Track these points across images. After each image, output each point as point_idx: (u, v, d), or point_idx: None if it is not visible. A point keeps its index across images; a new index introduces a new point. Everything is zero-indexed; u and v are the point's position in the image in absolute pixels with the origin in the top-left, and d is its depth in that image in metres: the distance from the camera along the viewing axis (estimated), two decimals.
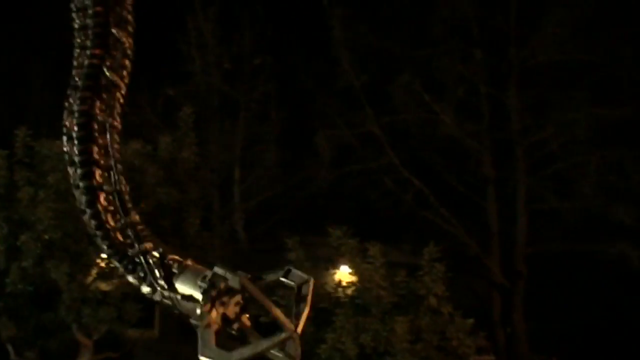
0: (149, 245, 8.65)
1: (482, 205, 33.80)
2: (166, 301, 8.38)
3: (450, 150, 33.40)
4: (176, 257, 8.51)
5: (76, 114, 8.73)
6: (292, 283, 8.57)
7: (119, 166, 8.70)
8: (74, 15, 8.86)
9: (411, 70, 32.13)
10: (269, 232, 33.99)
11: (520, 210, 33.11)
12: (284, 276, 8.91)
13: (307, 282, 9.01)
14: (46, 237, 19.09)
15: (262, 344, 8.15)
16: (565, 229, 31.46)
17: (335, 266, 22.59)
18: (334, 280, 21.70)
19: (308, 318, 20.27)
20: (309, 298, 8.79)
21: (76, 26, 8.83)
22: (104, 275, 19.71)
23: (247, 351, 8.25)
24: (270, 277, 9.06)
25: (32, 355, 20.94)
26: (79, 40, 8.89)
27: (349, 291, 20.00)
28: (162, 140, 21.70)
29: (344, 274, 23.51)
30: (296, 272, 8.99)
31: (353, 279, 21.19)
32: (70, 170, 8.87)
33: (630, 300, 32.95)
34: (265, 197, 33.24)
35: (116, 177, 8.79)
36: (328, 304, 20.01)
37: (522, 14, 32.24)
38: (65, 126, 8.91)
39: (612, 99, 30.51)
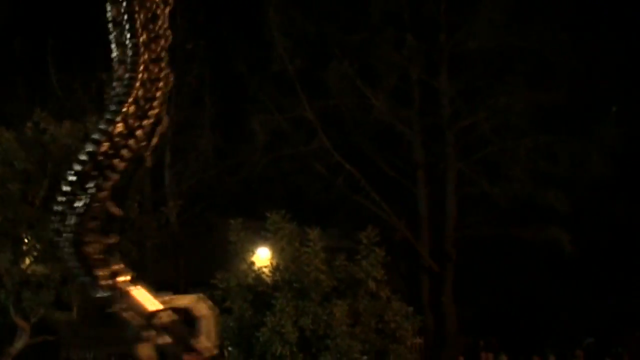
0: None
1: (413, 190, 34.19)
2: None
3: (382, 135, 33.71)
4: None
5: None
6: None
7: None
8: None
9: (345, 56, 32.33)
10: (200, 215, 33.98)
11: (450, 194, 33.58)
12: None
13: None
14: None
15: None
16: (496, 213, 32.01)
17: (253, 250, 22.57)
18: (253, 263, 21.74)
19: (248, 301, 20.38)
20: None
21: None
22: (44, 258, 19.59)
23: None
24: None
25: None
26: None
27: (286, 275, 20.17)
28: (92, 119, 21.45)
29: (261, 257, 23.64)
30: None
31: (270, 262, 21.37)
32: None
33: (559, 283, 33.72)
34: (198, 181, 33.15)
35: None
36: (266, 287, 20.19)
37: (453, 0, 32.63)
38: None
39: (544, 85, 31.05)
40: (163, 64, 9.78)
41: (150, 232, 22.57)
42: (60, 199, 9.80)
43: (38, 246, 19.53)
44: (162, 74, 9.79)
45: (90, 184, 9.57)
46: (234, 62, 32.98)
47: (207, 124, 33.20)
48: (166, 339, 10.34)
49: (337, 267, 20.11)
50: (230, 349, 19.94)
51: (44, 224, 19.05)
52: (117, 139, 9.61)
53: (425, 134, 33.94)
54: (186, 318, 11.04)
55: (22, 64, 32.93)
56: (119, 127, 9.56)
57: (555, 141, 31.21)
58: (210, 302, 11.06)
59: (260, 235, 23.09)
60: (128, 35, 9.60)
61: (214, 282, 20.06)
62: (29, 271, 20.07)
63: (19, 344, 21.30)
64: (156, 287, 33.01)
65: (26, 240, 19.44)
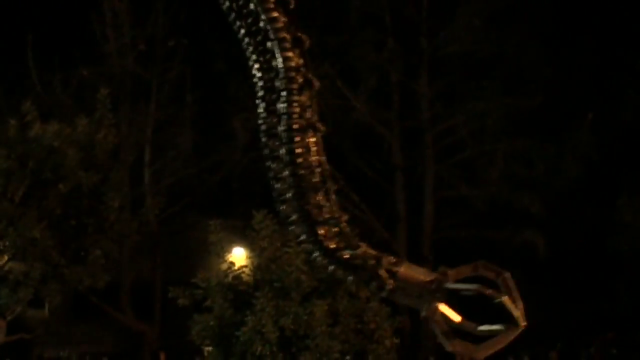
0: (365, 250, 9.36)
1: (391, 192, 34.37)
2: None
3: (362, 136, 33.86)
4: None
5: (285, 116, 9.28)
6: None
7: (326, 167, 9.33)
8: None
9: (325, 57, 32.42)
10: (179, 214, 33.97)
11: (428, 196, 33.81)
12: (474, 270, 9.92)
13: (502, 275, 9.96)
14: None
15: (502, 338, 9.02)
16: (473, 216, 32.26)
17: (229, 249, 22.68)
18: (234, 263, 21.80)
19: (228, 300, 20.43)
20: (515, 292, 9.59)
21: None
22: (24, 256, 19.58)
23: (491, 345, 9.12)
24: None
25: None
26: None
27: (267, 274, 20.19)
28: (79, 122, 21.53)
29: (236, 257, 23.74)
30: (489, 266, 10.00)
31: (250, 261, 21.47)
32: (274, 165, 9.43)
33: (533, 286, 33.93)
34: (177, 180, 33.14)
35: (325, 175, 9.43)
36: (247, 287, 20.22)
37: (433, 4, 32.82)
38: (266, 123, 9.45)
39: (520, 90, 31.34)
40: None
41: (130, 231, 22.58)
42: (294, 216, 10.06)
43: (18, 243, 19.49)
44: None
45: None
46: (214, 61, 33.02)
47: (188, 122, 33.21)
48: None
49: (318, 267, 20.15)
50: (209, 348, 19.99)
51: (25, 221, 19.07)
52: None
53: (404, 136, 34.15)
54: None
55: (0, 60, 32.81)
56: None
57: (531, 146, 31.55)
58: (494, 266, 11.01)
59: (238, 234, 23.21)
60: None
61: (194, 281, 20.08)
62: (6, 268, 20.05)
63: None
64: (133, 286, 33.03)
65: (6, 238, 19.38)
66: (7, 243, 19.42)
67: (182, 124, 33.14)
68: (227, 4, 10.58)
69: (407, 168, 34.29)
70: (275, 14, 10.07)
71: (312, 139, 9.91)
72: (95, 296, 27.65)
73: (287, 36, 10.13)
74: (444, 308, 10.34)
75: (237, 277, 20.57)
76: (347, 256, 10.07)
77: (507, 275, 10.41)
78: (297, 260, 19.79)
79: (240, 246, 27.31)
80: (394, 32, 32.85)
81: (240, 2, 10.54)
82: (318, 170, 9.87)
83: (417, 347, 32.72)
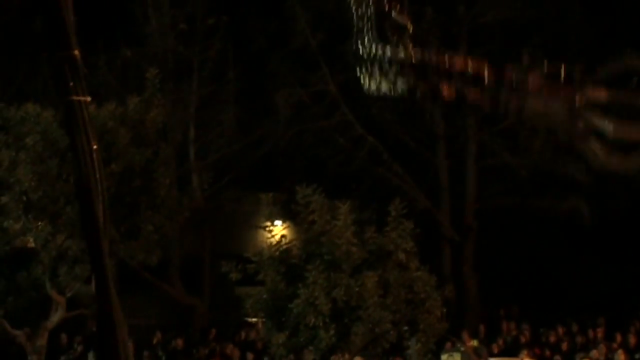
0: None
1: (433, 162, 34.55)
2: None
3: (403, 107, 33.96)
4: None
5: None
6: None
7: None
8: None
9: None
10: (223, 189, 34.39)
11: (470, 165, 33.94)
12: None
13: None
14: (24, 198, 19.40)
15: None
16: (516, 184, 32.35)
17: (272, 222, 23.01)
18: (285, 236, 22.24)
19: (280, 274, 20.88)
20: None
21: None
22: (79, 234, 20.02)
23: None
24: None
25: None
26: None
27: (317, 248, 20.58)
28: (131, 101, 21.98)
29: (278, 228, 24.13)
30: None
31: (285, 232, 21.94)
32: None
33: (579, 253, 34.05)
34: (222, 155, 33.53)
35: None
36: (298, 260, 20.63)
37: None
38: None
39: (561, 56, 31.19)
40: None
41: (181, 207, 23.02)
42: None
43: (75, 221, 19.94)
44: None
45: None
46: (255, 37, 33.26)
47: (231, 99, 33.52)
48: None
49: (367, 239, 20.52)
50: (264, 320, 20.41)
51: None
52: None
53: (445, 106, 34.18)
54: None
55: (44, 41, 33.14)
56: None
57: None
58: None
59: (281, 208, 23.59)
60: None
61: (247, 255, 20.52)
62: (64, 246, 20.54)
63: (55, 317, 21.85)
64: (183, 260, 33.59)
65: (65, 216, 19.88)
66: (64, 221, 19.90)
67: (225, 100, 33.45)
68: None
69: (449, 137, 34.39)
70: None
71: None
72: (146, 271, 28.17)
73: None
74: None
75: (287, 251, 21.00)
76: None
77: None
78: (346, 232, 20.21)
79: (283, 219, 27.69)
80: (432, 2, 32.85)
81: None
82: None
83: (463, 315, 32.95)
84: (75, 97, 6.45)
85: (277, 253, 20.85)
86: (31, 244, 20.15)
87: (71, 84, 6.43)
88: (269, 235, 21.79)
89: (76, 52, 6.52)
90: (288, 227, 27.40)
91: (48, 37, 6.70)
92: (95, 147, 6.41)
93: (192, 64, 33.20)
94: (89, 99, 6.45)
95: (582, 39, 30.99)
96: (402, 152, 33.89)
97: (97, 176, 6.42)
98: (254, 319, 27.56)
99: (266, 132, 33.46)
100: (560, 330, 29.58)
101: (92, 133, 6.49)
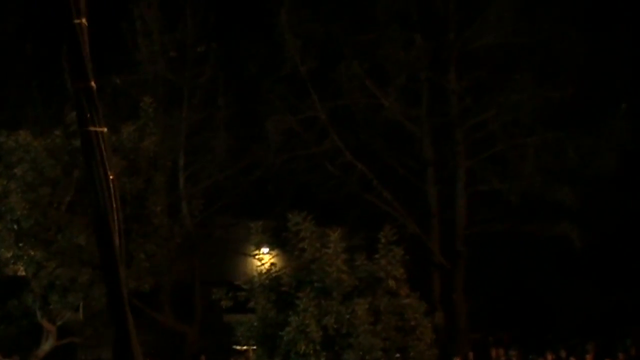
0: None
1: (423, 188, 34.58)
2: None
3: (392, 133, 34.07)
4: None
5: None
6: None
7: None
8: None
9: (354, 56, 32.66)
10: (214, 216, 34.40)
11: (460, 191, 33.99)
12: None
13: None
14: (15, 227, 19.40)
15: None
16: (506, 210, 32.38)
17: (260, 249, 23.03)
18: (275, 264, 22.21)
19: (271, 301, 20.80)
20: None
21: None
22: (71, 262, 20.06)
23: None
24: None
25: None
26: None
27: (308, 275, 20.56)
28: (125, 129, 22.03)
29: (267, 257, 24.14)
30: None
31: (275, 260, 21.98)
32: None
33: (569, 279, 34.09)
34: (212, 182, 33.56)
35: None
36: (288, 287, 20.61)
37: None
38: None
39: (552, 81, 31.34)
40: None
41: (172, 235, 23.06)
42: None
43: (66, 250, 19.96)
44: None
45: None
46: (245, 64, 33.36)
47: (221, 125, 33.57)
48: None
49: (358, 266, 20.54)
50: (255, 347, 20.39)
51: (71, 228, 19.53)
52: None
53: (435, 132, 34.32)
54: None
55: (36, 68, 33.27)
56: None
57: (564, 137, 31.54)
58: None
59: (274, 235, 23.62)
60: None
61: (238, 283, 20.52)
62: (55, 274, 20.51)
63: (46, 346, 21.83)
64: (173, 287, 33.47)
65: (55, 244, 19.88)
66: (55, 249, 19.90)
67: (216, 127, 33.51)
68: None
69: (439, 164, 34.44)
70: None
71: None
72: (136, 298, 28.10)
73: None
74: None
75: (278, 278, 20.99)
76: None
77: None
78: (337, 260, 20.21)
79: (272, 247, 27.72)
80: (421, 28, 32.99)
81: None
82: None
83: (452, 342, 32.91)
84: (92, 128, 6.53)
85: (268, 281, 20.83)
86: (22, 272, 20.18)
87: (88, 115, 6.51)
88: (259, 263, 21.79)
89: (92, 83, 6.61)
90: (277, 255, 27.47)
91: (71, 69, 6.79)
92: (112, 177, 6.45)
93: (182, 91, 33.29)
94: (105, 129, 6.51)
95: (573, 63, 31.11)
96: (392, 179, 33.95)
97: (114, 206, 6.48)
98: (245, 347, 27.52)
99: (256, 159, 33.53)
100: (549, 356, 29.59)
101: (109, 163, 6.54)
